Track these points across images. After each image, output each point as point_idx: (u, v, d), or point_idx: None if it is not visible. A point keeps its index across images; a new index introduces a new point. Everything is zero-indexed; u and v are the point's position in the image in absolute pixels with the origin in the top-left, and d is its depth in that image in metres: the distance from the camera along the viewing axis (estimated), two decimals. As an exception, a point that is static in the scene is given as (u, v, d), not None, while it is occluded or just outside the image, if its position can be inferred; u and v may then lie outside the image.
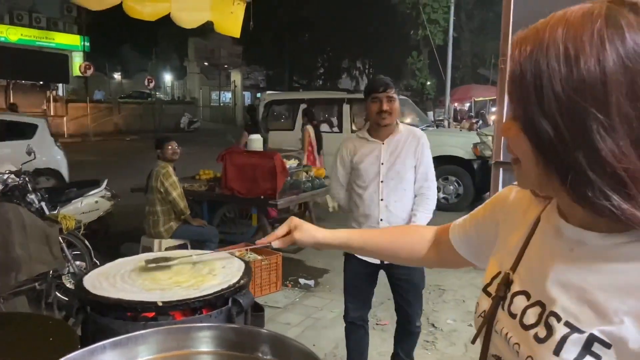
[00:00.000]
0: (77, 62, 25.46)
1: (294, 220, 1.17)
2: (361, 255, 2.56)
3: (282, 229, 1.16)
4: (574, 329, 0.65)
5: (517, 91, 0.65)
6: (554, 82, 0.60)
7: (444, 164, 8.40)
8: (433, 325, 4.13)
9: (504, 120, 2.15)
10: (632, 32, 0.59)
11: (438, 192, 8.50)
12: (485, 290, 0.83)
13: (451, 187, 8.51)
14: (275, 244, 1.14)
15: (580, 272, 0.67)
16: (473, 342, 0.83)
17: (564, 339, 0.65)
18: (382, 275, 2.91)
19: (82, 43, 25.58)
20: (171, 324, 1.12)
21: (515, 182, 0.86)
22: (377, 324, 4.13)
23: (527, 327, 0.70)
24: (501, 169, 2.22)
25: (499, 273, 0.81)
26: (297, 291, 4.90)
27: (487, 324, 0.78)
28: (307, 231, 1.14)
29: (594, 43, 0.59)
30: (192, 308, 1.23)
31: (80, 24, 26.09)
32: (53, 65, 23.07)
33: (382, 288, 3.06)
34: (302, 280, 5.12)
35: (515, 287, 0.76)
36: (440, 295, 4.75)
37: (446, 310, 4.39)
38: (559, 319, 0.67)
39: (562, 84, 0.60)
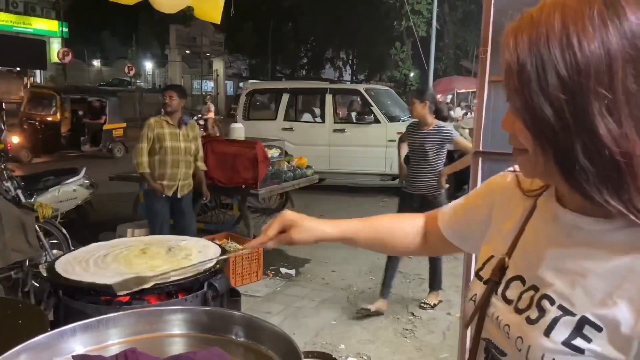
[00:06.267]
0: (55, 48, 24.89)
1: (288, 216, 0.98)
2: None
3: (274, 228, 0.97)
4: (566, 312, 0.65)
5: (516, 82, 0.63)
6: (558, 67, 0.59)
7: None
8: (412, 313, 4.17)
9: (483, 110, 2.15)
10: (633, 10, 0.59)
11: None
12: (477, 274, 0.82)
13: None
14: (269, 246, 0.97)
15: (576, 257, 0.68)
16: (466, 327, 0.82)
17: (555, 321, 0.65)
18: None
19: (61, 29, 24.94)
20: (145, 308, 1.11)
21: (510, 169, 0.87)
22: (357, 312, 4.16)
23: (520, 311, 0.71)
24: (480, 159, 2.22)
25: (492, 257, 0.81)
26: (278, 281, 4.90)
27: (480, 309, 0.78)
28: (309, 230, 0.97)
29: (595, 25, 0.58)
30: (167, 292, 1.22)
31: (58, 9, 25.46)
32: (30, 51, 22.51)
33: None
34: (283, 270, 5.12)
35: (510, 273, 0.76)
36: (420, 285, 4.79)
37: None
38: (552, 302, 0.67)
39: (567, 68, 0.59)
